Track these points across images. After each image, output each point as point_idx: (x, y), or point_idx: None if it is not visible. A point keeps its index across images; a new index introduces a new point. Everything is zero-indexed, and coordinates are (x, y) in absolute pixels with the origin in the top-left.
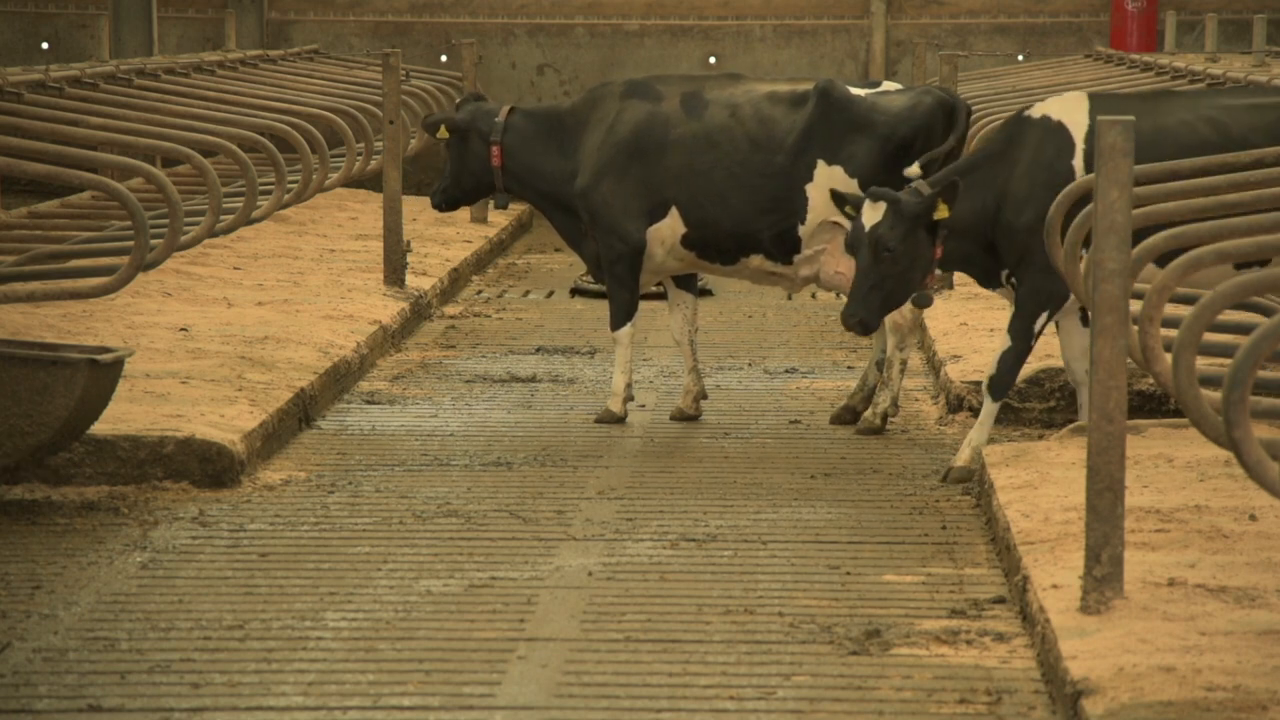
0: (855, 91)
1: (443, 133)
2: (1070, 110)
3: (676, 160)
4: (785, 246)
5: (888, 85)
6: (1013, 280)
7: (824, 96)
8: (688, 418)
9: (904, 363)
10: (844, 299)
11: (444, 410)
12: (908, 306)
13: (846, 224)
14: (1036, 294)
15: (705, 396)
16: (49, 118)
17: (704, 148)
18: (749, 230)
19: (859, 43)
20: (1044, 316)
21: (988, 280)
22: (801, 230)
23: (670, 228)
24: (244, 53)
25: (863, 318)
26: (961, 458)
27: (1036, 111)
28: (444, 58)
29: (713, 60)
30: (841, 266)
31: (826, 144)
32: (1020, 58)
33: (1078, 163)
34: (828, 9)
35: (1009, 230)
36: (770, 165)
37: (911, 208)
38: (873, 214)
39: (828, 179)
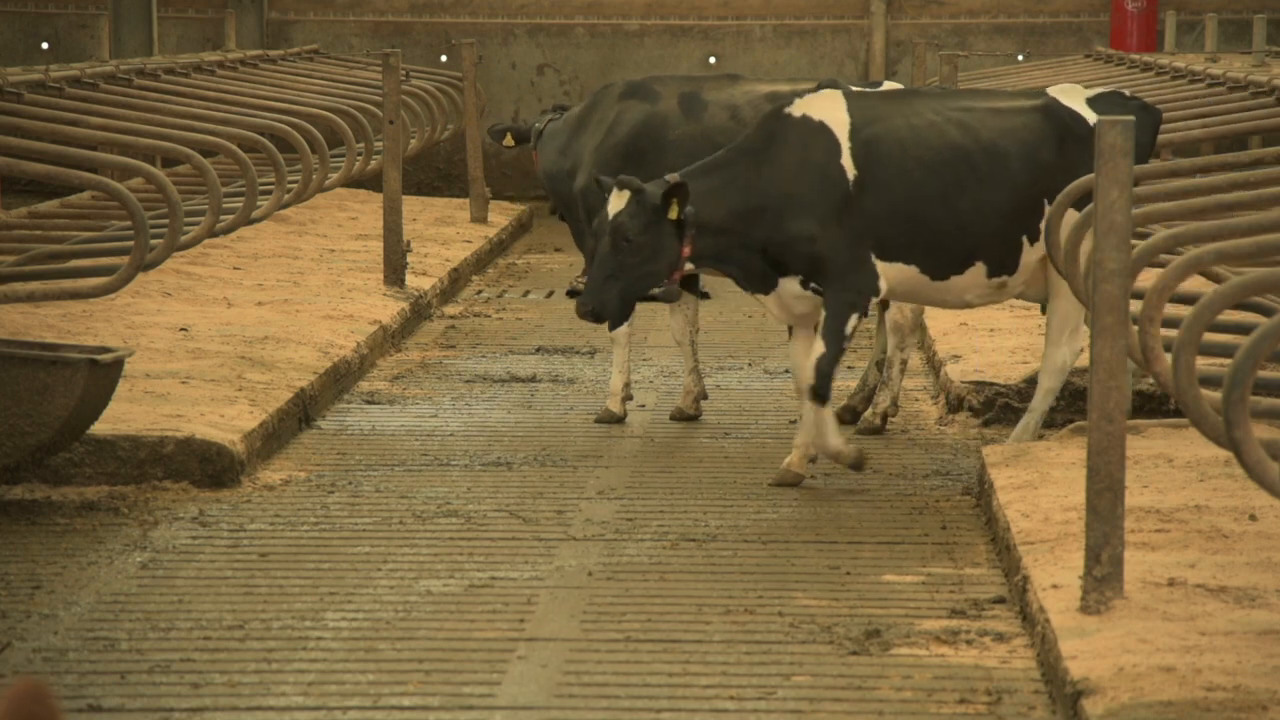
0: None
1: (508, 140)
2: (829, 109)
3: (675, 161)
4: None
5: (888, 85)
6: (813, 287)
7: None
8: (688, 418)
9: (904, 363)
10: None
11: (444, 410)
12: (908, 306)
13: None
14: (844, 299)
15: (705, 397)
16: (49, 118)
17: (703, 149)
18: None
19: (859, 43)
20: (854, 317)
21: (750, 282)
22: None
23: None
24: (244, 53)
25: (595, 307)
26: (792, 462)
27: (796, 110)
28: (444, 58)
29: (713, 60)
30: None
31: None
32: (1020, 58)
33: (846, 162)
34: (828, 9)
35: (795, 240)
36: None
37: (653, 199)
38: (617, 202)
39: None
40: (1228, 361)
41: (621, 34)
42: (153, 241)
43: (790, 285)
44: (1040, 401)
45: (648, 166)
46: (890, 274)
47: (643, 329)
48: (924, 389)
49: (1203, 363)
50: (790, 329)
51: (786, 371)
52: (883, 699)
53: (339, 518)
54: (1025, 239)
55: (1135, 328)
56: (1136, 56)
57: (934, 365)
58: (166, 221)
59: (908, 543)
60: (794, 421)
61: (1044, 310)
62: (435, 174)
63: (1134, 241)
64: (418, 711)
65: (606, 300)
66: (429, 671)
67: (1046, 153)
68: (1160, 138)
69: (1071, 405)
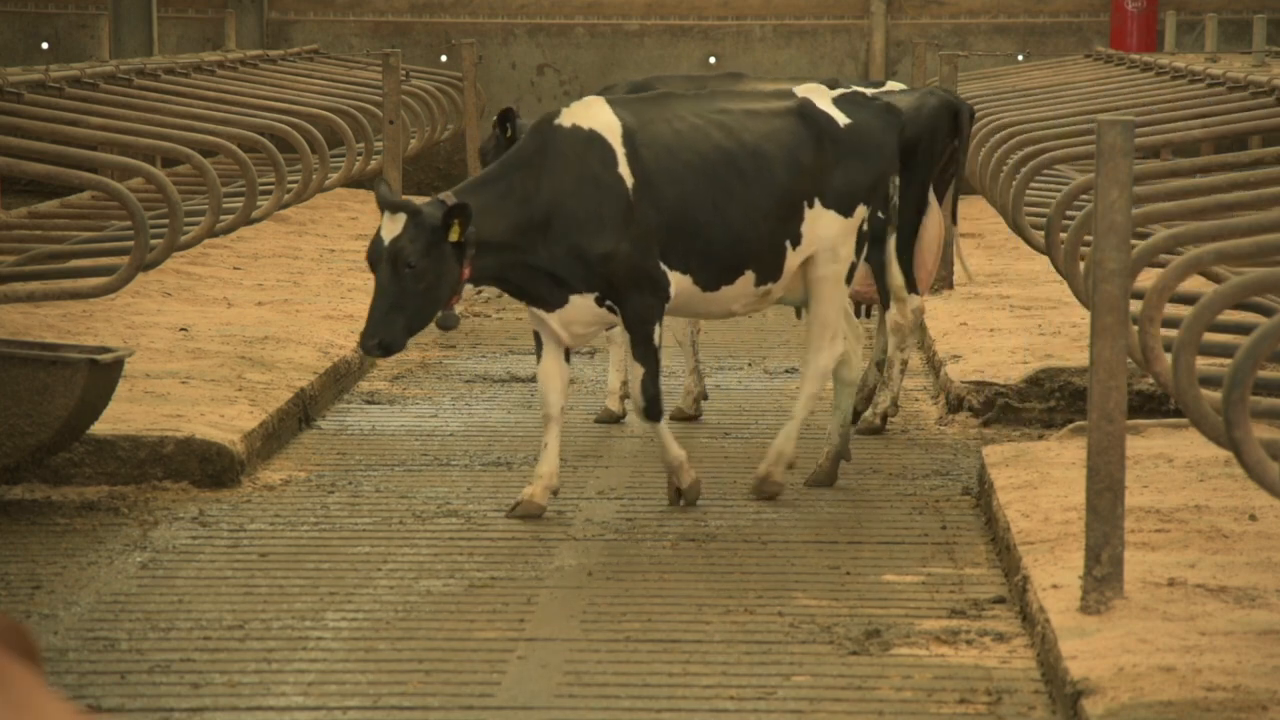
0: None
1: (509, 133)
2: (598, 116)
3: None
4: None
5: (891, 85)
6: (609, 304)
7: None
8: (688, 418)
9: (904, 363)
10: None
11: (444, 410)
12: (908, 305)
13: None
14: (642, 312)
15: (706, 397)
16: (49, 118)
17: None
18: None
19: (859, 43)
20: (657, 328)
21: (535, 300)
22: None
23: None
24: (244, 53)
25: (383, 339)
26: (684, 479)
27: (565, 120)
28: (444, 58)
29: (713, 60)
30: None
31: None
32: (1020, 58)
33: (624, 170)
34: (828, 9)
35: (586, 255)
36: None
37: (431, 220)
38: (392, 226)
39: None
40: (1228, 361)
41: (621, 34)
42: (153, 241)
43: (583, 301)
44: (802, 408)
45: None
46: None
47: None
48: (924, 389)
49: (1203, 363)
50: (539, 346)
51: (787, 371)
52: (883, 699)
53: (339, 518)
54: (789, 244)
55: (1135, 328)
56: (1136, 56)
57: (934, 365)
58: (166, 221)
59: (908, 543)
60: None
61: (800, 316)
62: (435, 174)
63: (1134, 241)
64: (418, 711)
65: (394, 332)
66: (429, 671)
67: (806, 155)
68: (1160, 138)
69: (1071, 405)
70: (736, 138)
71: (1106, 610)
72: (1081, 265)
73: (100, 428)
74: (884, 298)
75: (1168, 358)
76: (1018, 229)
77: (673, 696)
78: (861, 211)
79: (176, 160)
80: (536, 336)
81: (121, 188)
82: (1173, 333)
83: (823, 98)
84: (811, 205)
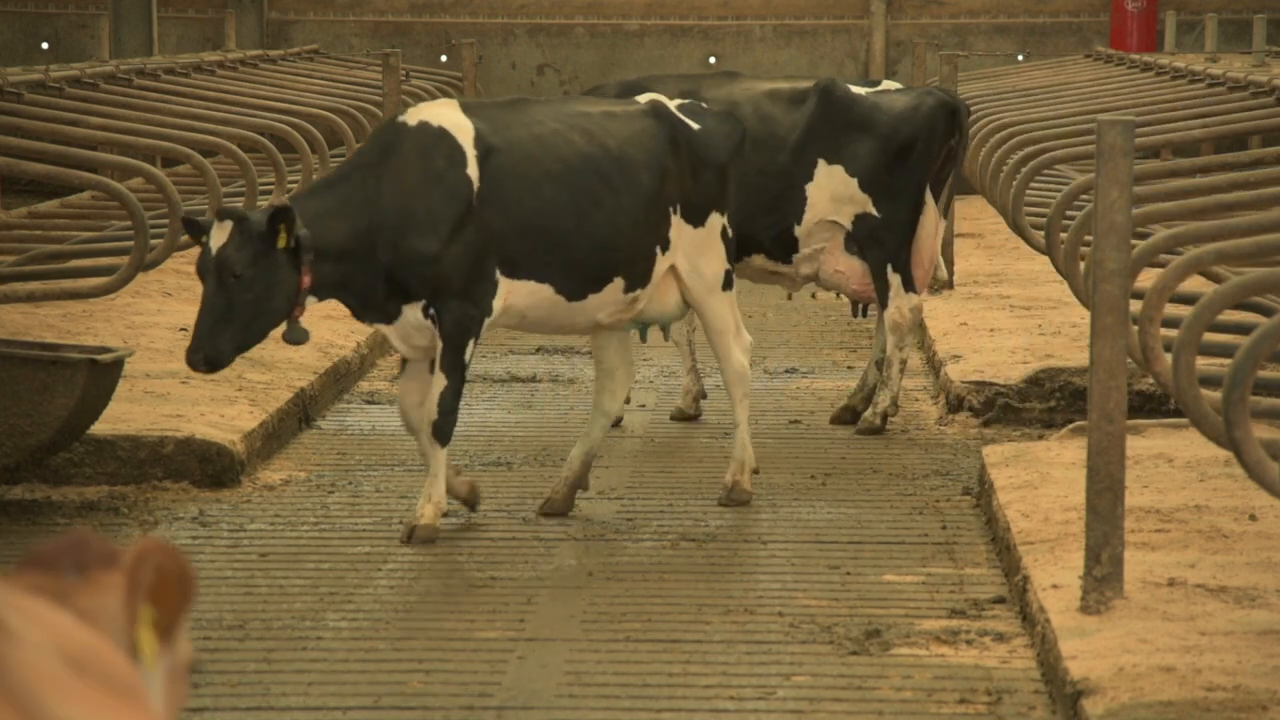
0: (857, 90)
1: None
2: (449, 115)
3: None
4: (784, 246)
5: (887, 84)
6: (431, 313)
7: (825, 95)
8: (688, 417)
9: (904, 362)
10: (844, 299)
11: None
12: (906, 304)
13: (845, 222)
14: (460, 323)
15: (705, 396)
16: (49, 118)
17: None
18: (750, 229)
19: (859, 43)
20: (471, 344)
21: (369, 312)
22: (798, 230)
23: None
24: (244, 53)
25: (208, 354)
26: (424, 515)
27: (412, 119)
28: (444, 58)
29: (713, 60)
30: (841, 265)
31: (828, 143)
32: (1020, 58)
33: (472, 172)
34: (828, 9)
35: (418, 259)
36: (772, 164)
37: (259, 227)
38: (220, 235)
39: (828, 178)
40: (1228, 361)
41: (621, 34)
42: (153, 241)
43: (412, 313)
44: (741, 413)
45: None
46: (521, 293)
47: None
48: (924, 389)
49: (1203, 363)
50: (404, 363)
51: (787, 371)
52: (883, 699)
53: (339, 518)
54: (658, 249)
55: (1135, 328)
56: (1136, 56)
57: (934, 365)
58: (166, 221)
59: (908, 543)
60: (794, 422)
61: (667, 336)
62: None
63: (1134, 241)
64: (418, 711)
65: (221, 346)
66: (429, 671)
67: (668, 159)
68: (1160, 138)
69: (1071, 405)
70: (599, 142)
71: (1106, 610)
72: (1081, 265)
73: (100, 428)
74: (882, 298)
75: (1168, 358)
76: (1018, 229)
77: (673, 696)
78: (716, 220)
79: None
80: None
81: (121, 188)
82: (1173, 333)
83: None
84: (676, 210)
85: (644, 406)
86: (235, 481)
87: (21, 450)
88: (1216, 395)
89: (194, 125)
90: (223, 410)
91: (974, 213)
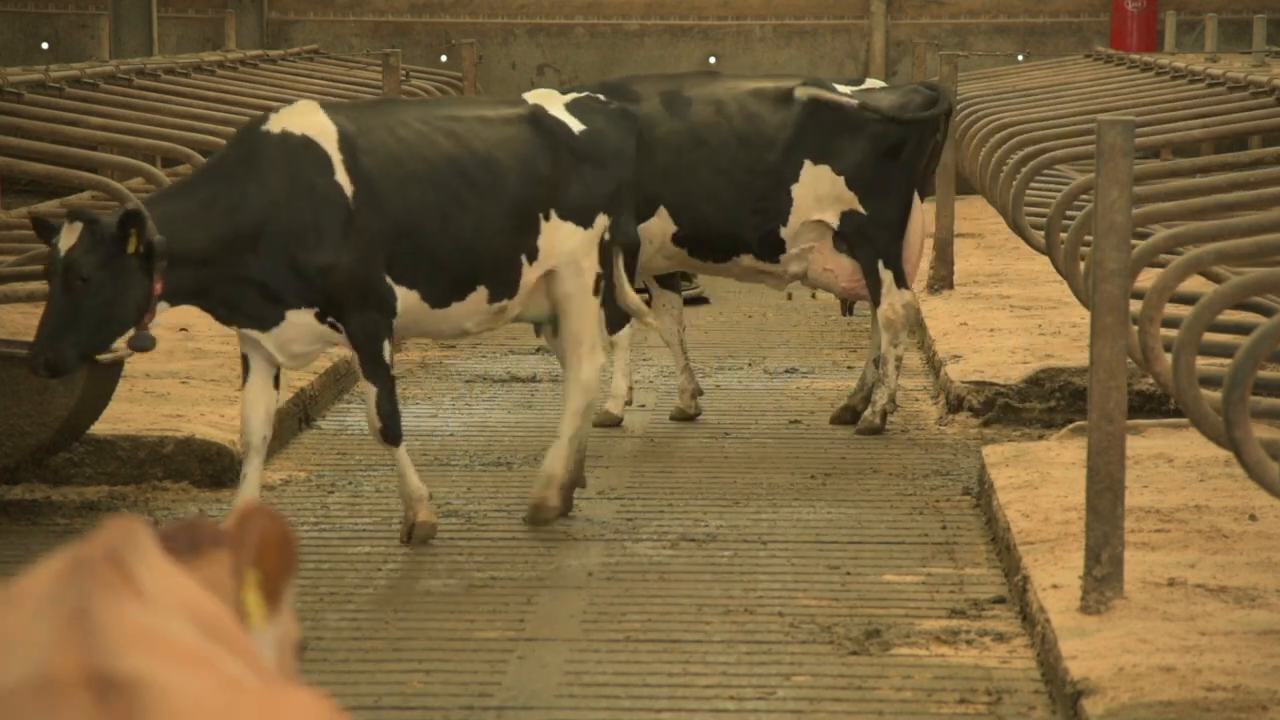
0: (844, 90)
1: None
2: (311, 121)
3: (663, 159)
4: (771, 246)
5: (871, 83)
6: (330, 321)
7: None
8: (688, 417)
9: (899, 359)
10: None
11: (444, 410)
12: (899, 300)
13: (832, 221)
14: (368, 328)
15: (701, 393)
16: (49, 118)
17: (691, 145)
18: (738, 230)
19: (859, 43)
20: (386, 343)
21: (244, 319)
22: (784, 231)
23: (660, 226)
24: (244, 53)
25: (49, 358)
26: (417, 512)
27: (274, 126)
28: (444, 58)
29: (713, 60)
30: (830, 264)
31: (815, 144)
32: (1020, 58)
33: (342, 177)
34: (828, 9)
35: (313, 270)
36: (759, 163)
37: (109, 230)
38: (69, 237)
39: (814, 179)
40: (1228, 361)
41: (621, 34)
42: None
43: (301, 318)
44: (568, 426)
45: (637, 165)
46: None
47: (642, 329)
48: (924, 389)
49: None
50: (247, 371)
51: (787, 371)
52: (883, 699)
53: (339, 518)
54: (525, 258)
55: (1135, 328)
56: (1136, 56)
57: (934, 365)
58: None
59: (908, 543)
60: (794, 422)
61: (539, 333)
62: None
63: (1134, 241)
64: (418, 711)
65: (63, 351)
66: (429, 671)
67: (541, 165)
68: (1160, 138)
69: (1071, 405)
70: (466, 146)
71: (1106, 610)
72: (1081, 265)
73: (100, 428)
74: (874, 295)
75: (1168, 358)
76: (1018, 229)
77: (673, 696)
78: (602, 221)
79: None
80: (244, 360)
81: (121, 188)
82: (1173, 333)
83: (554, 103)
84: (548, 218)
85: (644, 406)
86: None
87: (21, 450)
88: (1216, 395)
89: (194, 125)
90: (223, 410)
91: (974, 213)
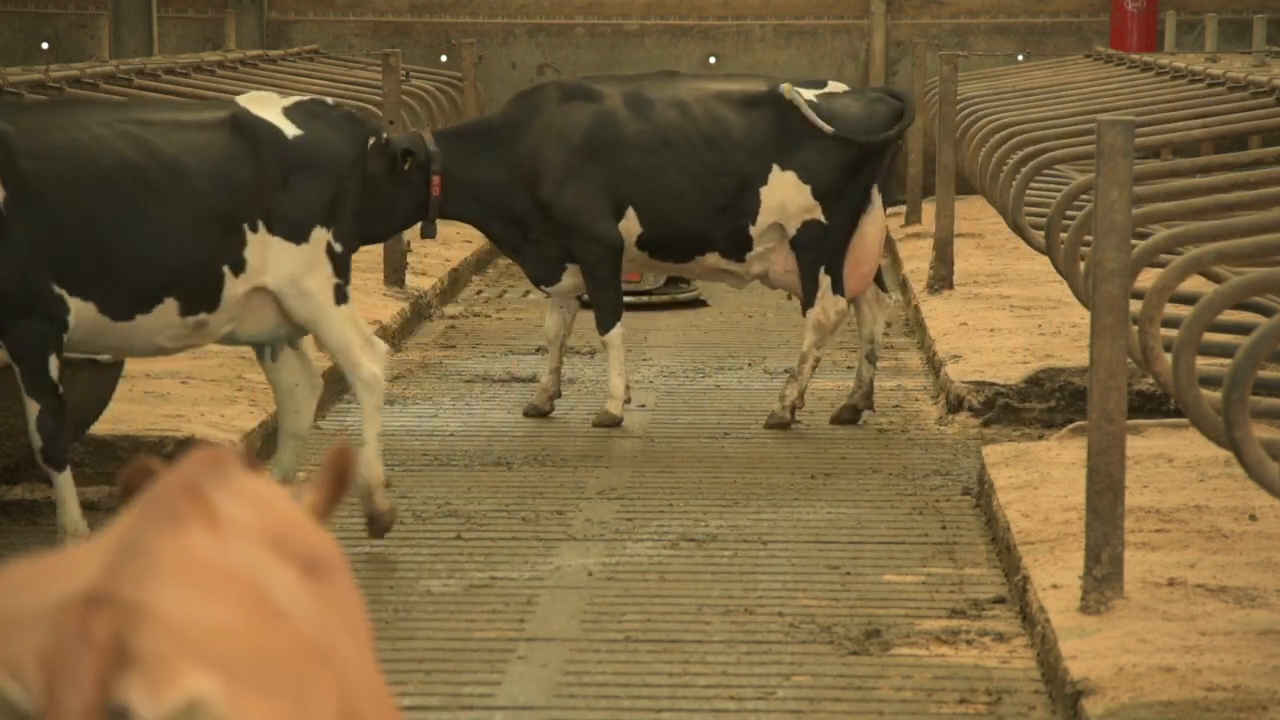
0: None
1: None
2: None
3: (630, 159)
4: (738, 245)
5: (834, 86)
6: None
7: (779, 101)
8: (541, 414)
9: (818, 360)
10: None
11: (444, 410)
12: (834, 306)
13: (789, 227)
14: (27, 341)
15: (560, 396)
16: None
17: (657, 146)
18: (704, 229)
19: (859, 43)
20: (52, 359)
21: None
22: (753, 230)
23: (626, 228)
24: (244, 53)
25: None
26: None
27: None
28: (444, 58)
29: (713, 60)
30: (790, 265)
31: (782, 150)
32: (1020, 58)
33: None
34: (828, 9)
35: None
36: (727, 164)
37: None
38: None
39: (781, 184)
40: (1228, 361)
41: (621, 34)
42: None
43: None
44: (369, 430)
45: (604, 166)
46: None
47: (642, 329)
48: (924, 389)
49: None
50: None
51: (787, 371)
52: (883, 699)
53: (339, 517)
54: (228, 269)
55: (1135, 328)
56: (1136, 56)
57: (934, 365)
58: None
59: (908, 543)
60: (795, 422)
61: (260, 358)
62: None
63: (1134, 241)
64: (418, 711)
65: None
66: (429, 671)
67: (241, 171)
68: (1160, 138)
69: (1071, 405)
70: (149, 150)
71: (1106, 610)
72: (1081, 265)
73: (100, 428)
74: (809, 297)
75: (1168, 358)
76: (1018, 229)
77: (673, 696)
78: (321, 235)
79: None
80: None
81: None
82: (1173, 333)
83: (269, 107)
84: (255, 229)
85: (644, 406)
86: None
87: (21, 450)
88: (1216, 395)
89: None
90: (223, 410)
91: (974, 213)
